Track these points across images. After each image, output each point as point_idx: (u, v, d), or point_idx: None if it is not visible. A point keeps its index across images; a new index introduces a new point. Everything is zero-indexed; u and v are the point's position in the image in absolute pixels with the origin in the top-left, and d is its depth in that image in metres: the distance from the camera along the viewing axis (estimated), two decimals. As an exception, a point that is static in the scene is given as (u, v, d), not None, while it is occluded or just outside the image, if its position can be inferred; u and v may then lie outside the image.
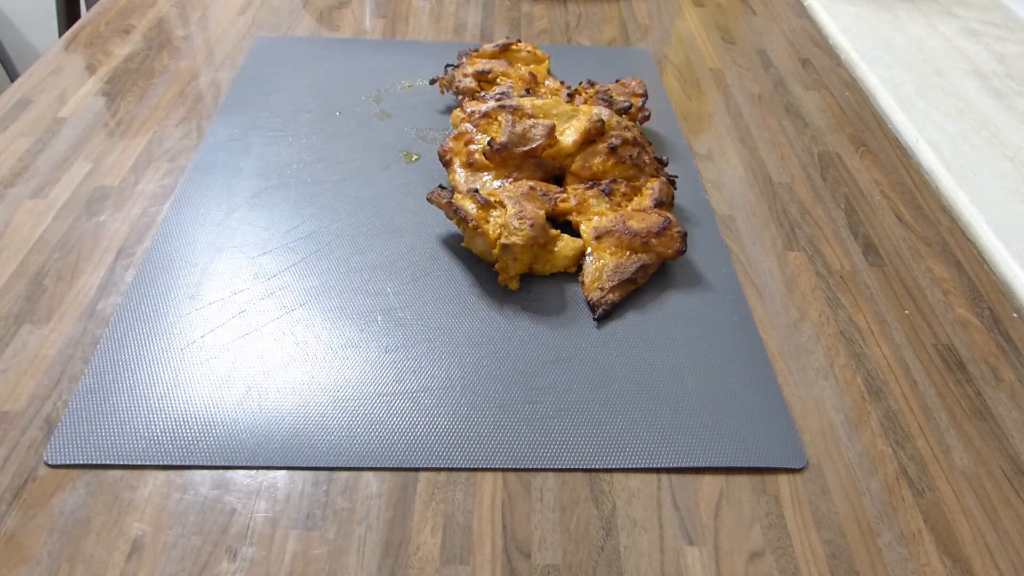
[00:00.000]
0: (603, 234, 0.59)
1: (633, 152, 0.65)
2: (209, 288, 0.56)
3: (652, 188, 0.63)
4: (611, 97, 0.70)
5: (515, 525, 0.44)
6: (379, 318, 0.55)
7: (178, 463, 0.45)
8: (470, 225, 0.57)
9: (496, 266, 0.58)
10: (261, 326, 0.54)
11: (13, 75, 1.79)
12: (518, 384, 0.51)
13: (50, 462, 0.45)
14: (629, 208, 0.62)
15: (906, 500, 0.46)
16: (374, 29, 0.93)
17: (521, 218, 0.57)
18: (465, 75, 0.76)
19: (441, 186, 0.59)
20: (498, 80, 0.75)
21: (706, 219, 0.66)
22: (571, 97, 0.72)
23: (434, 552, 0.42)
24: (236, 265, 0.58)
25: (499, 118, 0.65)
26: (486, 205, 0.58)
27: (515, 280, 0.58)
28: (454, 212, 0.57)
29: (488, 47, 0.79)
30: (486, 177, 0.64)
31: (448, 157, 0.66)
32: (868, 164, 0.75)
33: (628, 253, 0.58)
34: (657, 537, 0.43)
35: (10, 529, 0.42)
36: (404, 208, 0.65)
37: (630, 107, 0.70)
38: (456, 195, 0.60)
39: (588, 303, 0.57)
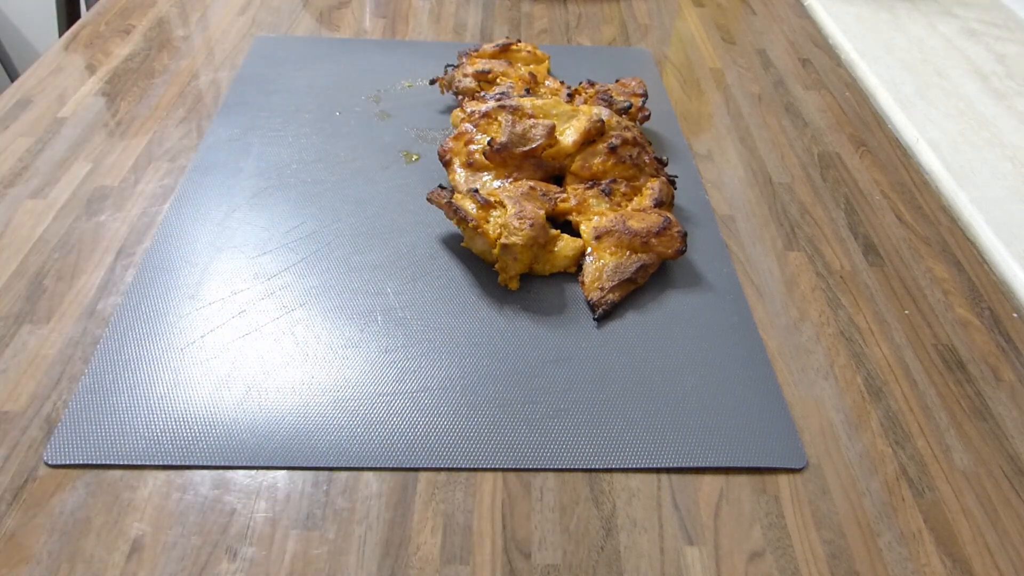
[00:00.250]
0: (603, 234, 0.59)
1: (633, 152, 0.65)
2: (209, 288, 0.56)
3: (652, 188, 0.63)
4: (611, 97, 0.70)
5: (515, 525, 0.44)
6: (379, 318, 0.55)
7: (178, 463, 0.45)
8: (470, 225, 0.57)
9: (496, 266, 0.58)
10: (261, 326, 0.54)
11: (13, 75, 1.79)
12: (518, 384, 0.51)
13: (50, 462, 0.45)
14: (629, 208, 0.62)
15: (906, 500, 0.46)
16: (374, 29, 0.93)
17: (521, 218, 0.57)
18: (465, 75, 0.76)
19: (441, 186, 0.59)
20: (498, 80, 0.75)
21: (706, 219, 0.66)
22: (571, 97, 0.72)
23: (434, 552, 0.42)
24: (236, 265, 0.58)
25: (499, 118, 0.65)
26: (486, 205, 0.58)
27: (515, 280, 0.58)
28: (454, 212, 0.57)
29: (488, 47, 0.79)
30: (486, 177, 0.64)
31: (448, 157, 0.66)
32: (868, 164, 0.75)
33: (628, 253, 0.58)
34: (657, 537, 0.43)
35: (10, 529, 0.42)
36: (404, 208, 0.65)
37: (630, 107, 0.70)
38: (456, 195, 0.60)
39: (588, 303, 0.57)
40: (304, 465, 0.46)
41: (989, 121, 0.80)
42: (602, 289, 0.57)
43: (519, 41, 0.81)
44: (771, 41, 0.96)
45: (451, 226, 0.63)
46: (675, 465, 0.47)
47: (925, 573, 0.43)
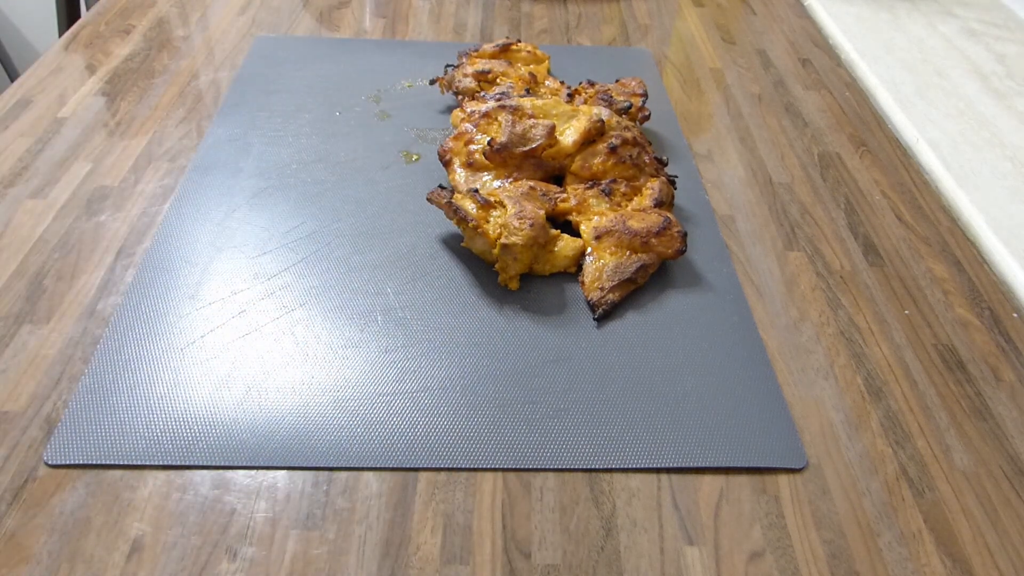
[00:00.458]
0: (603, 234, 0.59)
1: (633, 152, 0.65)
2: (209, 288, 0.56)
3: (652, 188, 0.63)
4: (611, 97, 0.70)
5: (515, 525, 0.44)
6: (379, 318, 0.55)
7: (178, 463, 0.45)
8: (470, 225, 0.57)
9: (496, 266, 0.58)
10: (261, 326, 0.54)
11: (13, 75, 1.79)
12: (518, 384, 0.51)
13: (50, 462, 0.45)
14: (629, 208, 0.62)
15: (906, 500, 0.46)
16: (374, 29, 0.93)
17: (521, 218, 0.57)
18: (465, 75, 0.76)
19: (441, 186, 0.59)
20: (498, 80, 0.75)
21: (706, 219, 0.66)
22: (571, 97, 0.72)
23: (434, 552, 0.42)
24: (236, 265, 0.58)
25: (499, 118, 0.65)
26: (486, 205, 0.58)
27: (515, 280, 0.58)
28: (454, 212, 0.57)
29: (488, 47, 0.79)
30: (486, 177, 0.64)
31: (448, 157, 0.66)
32: (868, 164, 0.75)
33: (628, 253, 0.58)
34: (657, 537, 0.43)
35: (10, 529, 0.42)
36: (404, 208, 0.65)
37: (630, 107, 0.70)
38: (456, 195, 0.60)
39: (588, 303, 0.57)
40: (304, 465, 0.46)
41: (989, 121, 0.80)
42: (602, 289, 0.57)
43: (519, 41, 0.81)
44: (771, 41, 0.96)
45: (451, 226, 0.63)
46: (675, 465, 0.47)
47: (925, 573, 0.43)
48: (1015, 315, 0.60)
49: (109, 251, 0.59)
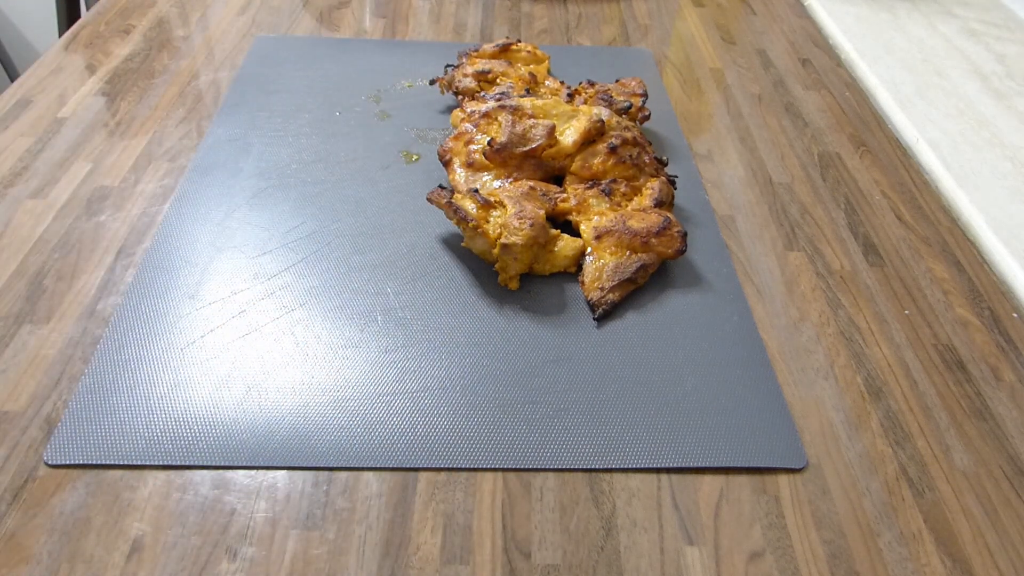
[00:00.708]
0: (603, 234, 0.59)
1: (633, 152, 0.65)
2: (209, 288, 0.56)
3: (652, 188, 0.63)
4: (611, 97, 0.70)
5: (515, 525, 0.44)
6: (379, 318, 0.55)
7: (178, 463, 0.45)
8: (470, 225, 0.57)
9: (496, 266, 0.58)
10: (261, 326, 0.54)
11: (13, 75, 1.79)
12: (518, 384, 0.51)
13: (50, 462, 0.45)
14: (629, 208, 0.62)
15: (906, 500, 0.46)
16: (374, 29, 0.93)
17: (521, 218, 0.57)
18: (465, 75, 0.76)
19: (441, 186, 0.59)
20: (498, 80, 0.75)
21: (706, 219, 0.66)
22: (571, 97, 0.72)
23: (434, 552, 0.42)
24: (236, 265, 0.58)
25: (499, 118, 0.65)
26: (486, 205, 0.58)
27: (515, 280, 0.58)
28: (454, 212, 0.57)
29: (488, 47, 0.79)
30: (486, 177, 0.64)
31: (448, 157, 0.66)
32: (868, 164, 0.75)
33: (628, 253, 0.58)
34: (657, 537, 0.43)
35: (10, 529, 0.42)
36: (404, 208, 0.65)
37: (630, 107, 0.70)
38: (456, 195, 0.60)
39: (588, 303, 0.57)
40: (304, 465, 0.46)
41: (989, 121, 0.80)
42: (602, 289, 0.57)
43: (519, 41, 0.81)
44: (771, 41, 0.96)
45: (451, 226, 0.63)
46: (675, 465, 0.47)
47: (925, 573, 0.43)
48: (1015, 315, 0.60)
49: (109, 251, 0.59)
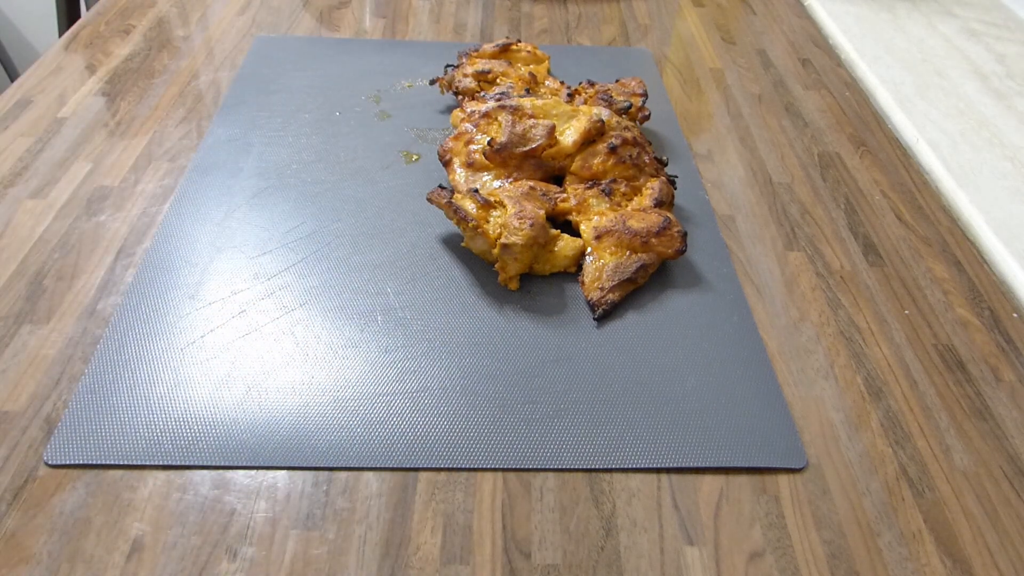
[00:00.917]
0: (603, 234, 0.59)
1: (633, 152, 0.65)
2: (209, 288, 0.56)
3: (652, 188, 0.63)
4: (611, 97, 0.70)
5: (515, 525, 0.44)
6: (379, 318, 0.55)
7: (178, 463, 0.45)
8: (470, 225, 0.57)
9: (496, 266, 0.58)
10: (261, 326, 0.54)
11: (13, 75, 1.79)
12: (518, 384, 0.51)
13: (50, 462, 0.45)
14: (629, 208, 0.62)
15: (906, 500, 0.46)
16: (374, 29, 0.93)
17: (521, 218, 0.57)
18: (465, 75, 0.76)
19: (441, 186, 0.59)
20: (498, 80, 0.75)
21: (706, 219, 0.66)
22: (571, 97, 0.72)
23: (434, 552, 0.42)
24: (236, 265, 0.58)
25: (499, 118, 0.65)
26: (486, 205, 0.58)
27: (515, 280, 0.58)
28: (454, 212, 0.57)
29: (488, 47, 0.79)
30: (486, 177, 0.64)
31: (448, 157, 0.66)
32: (868, 164, 0.75)
33: (628, 253, 0.58)
34: (657, 537, 0.43)
35: (10, 529, 0.42)
36: (404, 208, 0.65)
37: (630, 107, 0.70)
38: (456, 195, 0.60)
39: (588, 303, 0.57)
40: (304, 465, 0.46)
41: (989, 121, 0.80)
42: (602, 289, 0.57)
43: (519, 41, 0.81)
44: (771, 41, 0.96)
45: (451, 226, 0.63)
46: (675, 465, 0.47)
47: (925, 573, 0.43)
48: (1015, 315, 0.60)
49: (109, 251, 0.59)
